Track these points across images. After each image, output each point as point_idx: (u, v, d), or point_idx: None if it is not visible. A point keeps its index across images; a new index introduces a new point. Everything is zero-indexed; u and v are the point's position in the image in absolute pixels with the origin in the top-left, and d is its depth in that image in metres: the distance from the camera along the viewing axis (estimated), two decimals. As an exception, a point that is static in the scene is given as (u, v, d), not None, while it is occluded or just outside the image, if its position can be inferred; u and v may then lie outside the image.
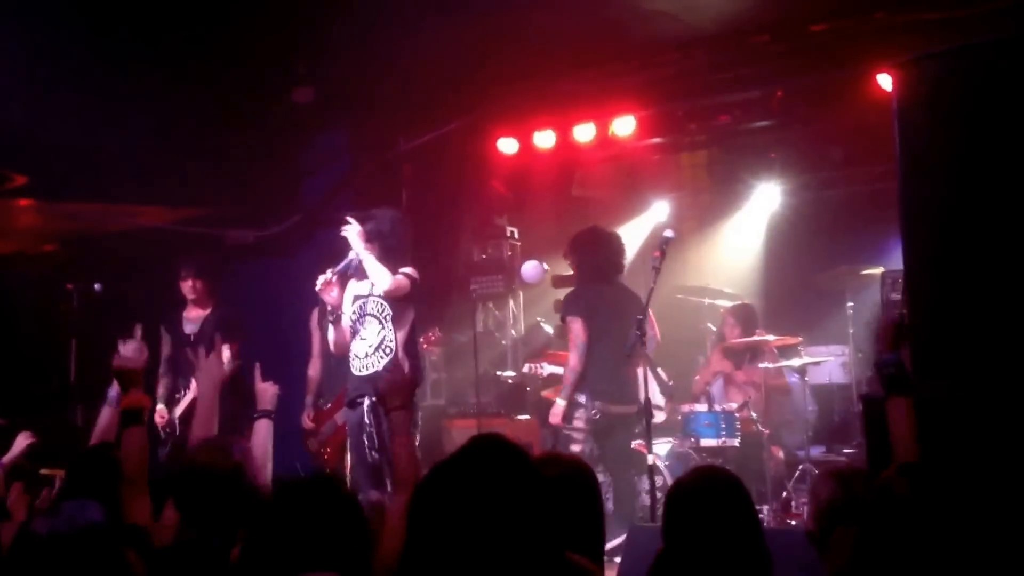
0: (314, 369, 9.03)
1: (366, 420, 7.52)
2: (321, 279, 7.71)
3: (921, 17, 8.60)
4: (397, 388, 4.48)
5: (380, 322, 7.70)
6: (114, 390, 5.86)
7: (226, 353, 8.29)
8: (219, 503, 4.27)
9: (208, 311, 9.03)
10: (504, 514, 2.71)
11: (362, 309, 7.80)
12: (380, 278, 7.59)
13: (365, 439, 7.48)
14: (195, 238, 10.78)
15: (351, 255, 7.67)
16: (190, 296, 9.03)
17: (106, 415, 5.96)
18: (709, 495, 3.78)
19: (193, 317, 9.05)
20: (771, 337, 9.49)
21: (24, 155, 9.06)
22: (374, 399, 7.34)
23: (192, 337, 8.88)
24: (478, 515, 2.70)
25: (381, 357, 7.64)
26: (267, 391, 5.55)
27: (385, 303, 7.71)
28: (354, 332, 7.79)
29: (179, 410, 8.71)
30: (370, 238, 7.69)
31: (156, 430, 8.66)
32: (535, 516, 2.75)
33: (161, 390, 8.96)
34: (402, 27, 9.25)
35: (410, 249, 7.94)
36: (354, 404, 7.68)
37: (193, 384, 8.26)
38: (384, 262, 7.62)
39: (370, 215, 7.90)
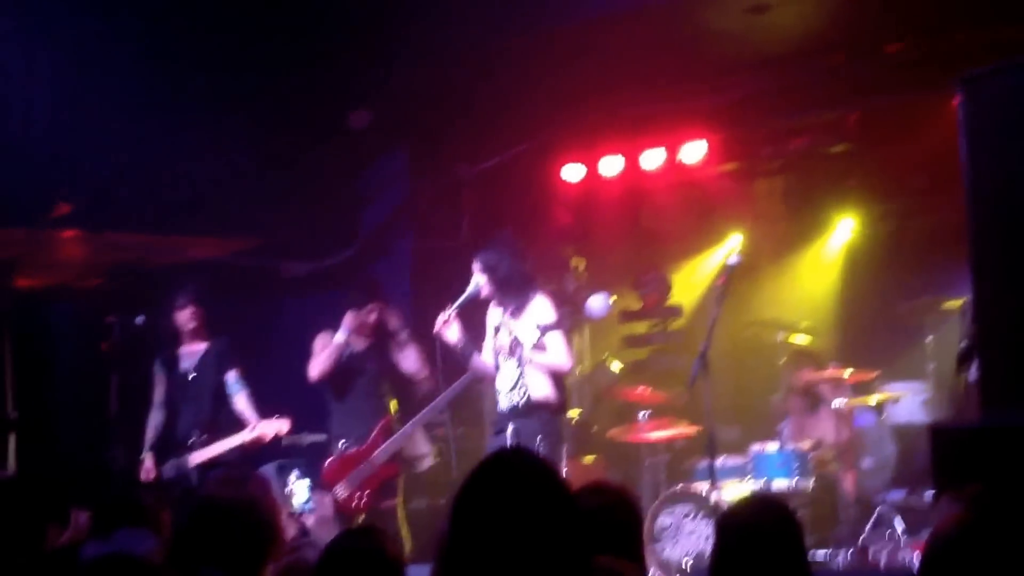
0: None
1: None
2: (442, 317, 7.98)
3: (1005, 37, 8.66)
4: None
5: (518, 362, 7.99)
6: None
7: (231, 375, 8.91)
8: (231, 540, 4.27)
9: (205, 345, 9.09)
10: (526, 523, 2.88)
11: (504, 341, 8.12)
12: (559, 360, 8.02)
13: None
14: (247, 269, 10.95)
15: (473, 286, 8.03)
16: (189, 326, 9.03)
17: None
18: (758, 528, 3.87)
19: (190, 352, 9.10)
20: (847, 372, 9.46)
21: (71, 183, 9.29)
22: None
23: (190, 374, 9.03)
24: (502, 527, 2.89)
25: (518, 395, 7.99)
26: None
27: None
28: (497, 364, 8.16)
29: (199, 456, 8.77)
30: (487, 273, 8.06)
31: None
32: (557, 525, 2.91)
33: (151, 434, 9.01)
34: (463, 48, 9.48)
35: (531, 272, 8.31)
36: (498, 432, 8.05)
37: (256, 429, 8.65)
38: (504, 293, 8.04)
39: (482, 251, 8.23)
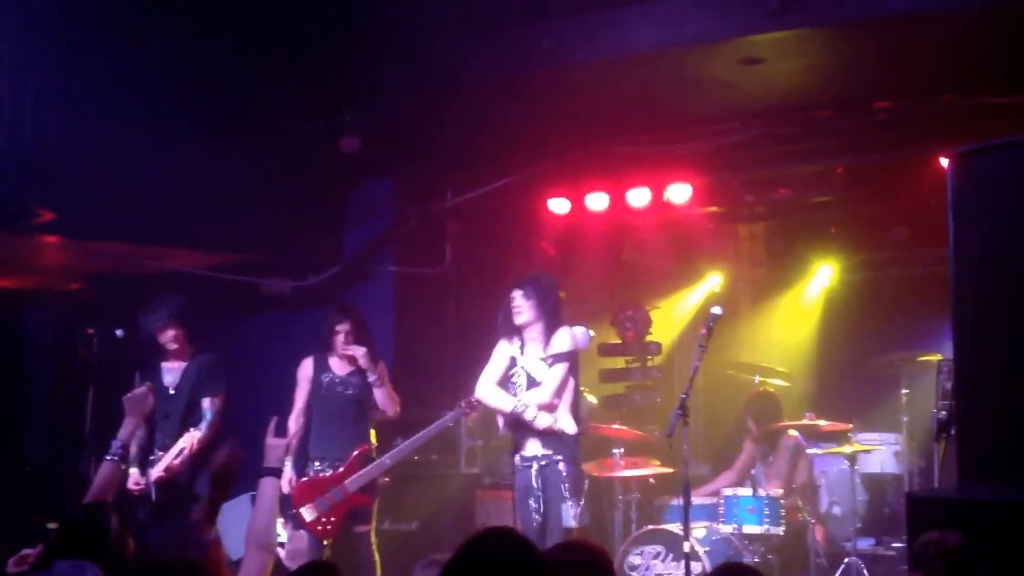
0: (296, 424, 8.97)
1: (533, 484, 8.11)
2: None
3: (989, 102, 8.89)
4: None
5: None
6: (118, 443, 6.16)
7: (208, 403, 8.86)
8: None
9: (188, 361, 9.01)
10: None
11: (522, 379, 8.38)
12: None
13: (532, 501, 8.06)
14: (227, 284, 10.99)
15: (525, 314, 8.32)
16: (171, 346, 8.97)
17: (107, 469, 6.12)
18: None
19: (173, 367, 9.02)
20: (822, 422, 9.64)
21: (54, 191, 9.28)
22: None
23: (172, 389, 8.94)
24: None
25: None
26: (276, 448, 5.57)
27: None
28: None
29: (156, 472, 8.64)
30: (540, 301, 8.31)
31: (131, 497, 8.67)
32: None
33: (135, 450, 8.67)
34: (454, 79, 9.63)
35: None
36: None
37: (182, 441, 8.60)
38: (547, 321, 8.29)
39: (530, 279, 8.48)
